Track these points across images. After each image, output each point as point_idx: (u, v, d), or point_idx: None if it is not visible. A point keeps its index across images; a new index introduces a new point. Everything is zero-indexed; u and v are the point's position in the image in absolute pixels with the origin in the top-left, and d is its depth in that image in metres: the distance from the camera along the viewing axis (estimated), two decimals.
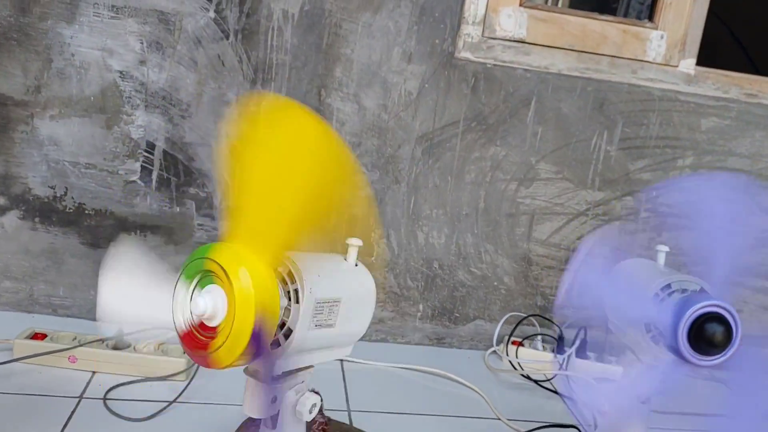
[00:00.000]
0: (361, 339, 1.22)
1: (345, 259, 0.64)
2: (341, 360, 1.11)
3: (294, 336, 0.54)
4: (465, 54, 1.13)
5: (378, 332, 1.22)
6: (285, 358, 0.56)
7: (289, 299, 0.56)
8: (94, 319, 1.08)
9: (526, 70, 1.15)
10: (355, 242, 0.64)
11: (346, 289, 0.60)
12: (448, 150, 1.16)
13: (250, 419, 0.81)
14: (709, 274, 0.72)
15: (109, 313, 0.62)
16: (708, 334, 0.68)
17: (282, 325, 0.56)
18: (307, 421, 0.63)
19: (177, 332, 0.56)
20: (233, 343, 0.50)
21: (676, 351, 0.70)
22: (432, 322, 1.23)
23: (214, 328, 0.52)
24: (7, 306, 1.09)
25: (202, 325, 0.53)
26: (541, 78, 1.16)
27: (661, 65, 1.19)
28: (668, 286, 0.74)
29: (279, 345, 0.56)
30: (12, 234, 1.07)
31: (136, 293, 0.60)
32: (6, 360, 0.93)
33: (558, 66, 1.16)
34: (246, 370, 0.60)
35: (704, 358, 0.69)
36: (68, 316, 1.10)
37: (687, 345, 0.69)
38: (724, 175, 1.14)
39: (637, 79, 1.18)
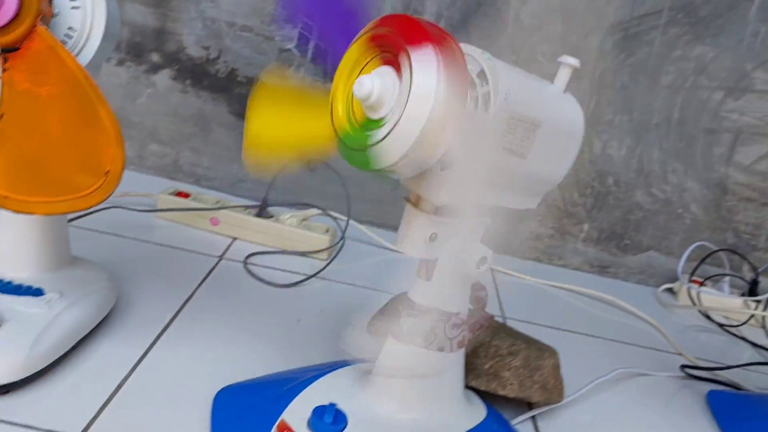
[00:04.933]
0: (513, 255, 1.09)
1: (552, 83, 0.50)
2: (492, 269, 0.99)
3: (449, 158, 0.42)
4: None
5: (532, 250, 1.08)
6: (460, 183, 0.44)
7: (477, 106, 0.43)
8: (236, 195, 1.03)
9: None
10: (569, 61, 0.49)
11: (548, 114, 0.46)
12: (645, 45, 0.99)
13: (402, 294, 0.71)
14: None
15: None
16: None
17: None
18: (472, 282, 0.51)
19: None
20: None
21: None
22: (596, 247, 1.07)
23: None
24: (152, 170, 1.06)
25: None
26: None
27: None
28: None
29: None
30: (163, 94, 1.02)
31: None
32: (149, 209, 0.89)
33: None
34: (408, 199, 0.48)
35: None
36: (211, 188, 1.06)
37: None
38: None
39: None
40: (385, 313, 0.67)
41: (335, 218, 0.96)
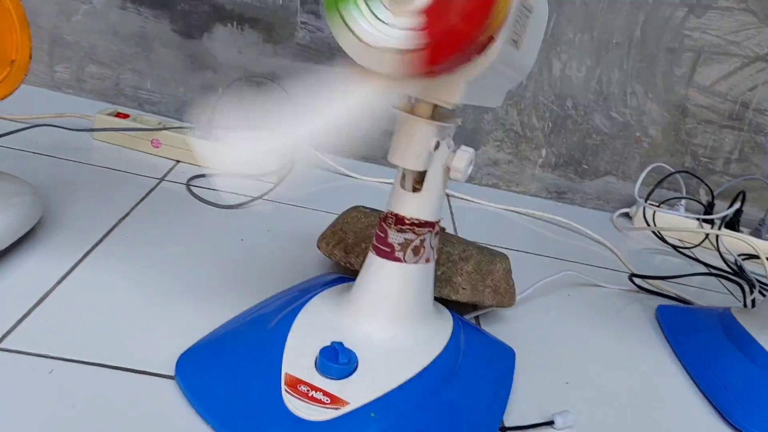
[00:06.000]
0: (470, 181, 1.07)
1: None
2: (446, 194, 0.97)
3: (496, 45, 0.38)
4: None
5: (489, 176, 1.06)
6: (471, 82, 0.40)
7: None
8: (181, 120, 0.98)
9: None
10: None
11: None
12: None
13: (351, 210, 0.68)
14: None
15: None
16: None
17: None
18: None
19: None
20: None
21: None
22: (554, 172, 1.06)
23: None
24: (91, 94, 1.00)
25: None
26: None
27: None
28: None
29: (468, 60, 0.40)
30: (100, 12, 0.96)
31: None
32: (86, 128, 0.84)
33: None
34: (398, 106, 0.44)
35: None
36: (155, 113, 1.00)
37: None
38: None
39: None
40: (336, 228, 0.65)
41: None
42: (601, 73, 1.00)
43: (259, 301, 0.55)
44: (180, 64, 0.99)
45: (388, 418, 0.41)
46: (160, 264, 0.59)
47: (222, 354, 0.47)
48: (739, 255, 0.94)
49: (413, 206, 0.47)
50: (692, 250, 0.97)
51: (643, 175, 0.98)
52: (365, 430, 0.41)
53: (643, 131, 1.03)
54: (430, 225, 0.47)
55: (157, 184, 0.77)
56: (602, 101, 1.01)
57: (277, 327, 0.47)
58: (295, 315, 0.48)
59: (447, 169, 0.46)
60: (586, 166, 1.06)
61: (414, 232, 0.47)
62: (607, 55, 0.99)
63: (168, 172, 0.81)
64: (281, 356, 0.44)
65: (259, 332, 0.48)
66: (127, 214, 0.67)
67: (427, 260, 0.48)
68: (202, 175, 0.82)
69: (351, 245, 0.62)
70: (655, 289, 0.78)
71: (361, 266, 0.60)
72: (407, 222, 0.46)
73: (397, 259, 0.47)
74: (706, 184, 1.01)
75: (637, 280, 0.78)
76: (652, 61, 0.99)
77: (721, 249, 0.94)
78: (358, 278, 0.49)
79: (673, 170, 1.01)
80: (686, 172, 1.02)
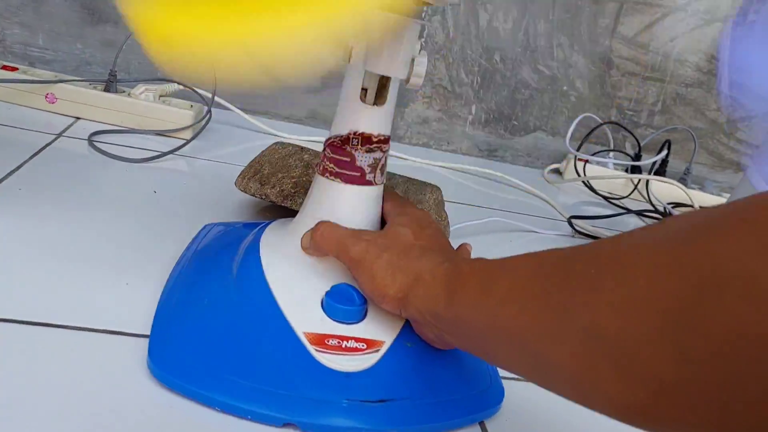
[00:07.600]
0: (400, 141, 1.03)
1: None
2: None
3: None
4: None
5: (420, 135, 1.02)
6: None
7: None
8: (82, 79, 0.88)
9: None
10: None
11: None
12: None
13: (278, 145, 0.62)
14: None
15: None
16: None
17: None
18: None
19: None
20: None
21: None
22: (485, 130, 1.03)
23: None
24: None
25: None
26: None
27: None
28: None
29: None
30: None
31: None
32: None
33: None
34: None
35: None
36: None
37: None
38: None
39: None
40: (253, 162, 0.59)
41: (200, 95, 0.84)
42: (528, 24, 0.98)
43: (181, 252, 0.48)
44: (76, 16, 0.89)
45: (420, 342, 0.39)
46: (64, 215, 0.52)
47: (206, 333, 0.38)
48: (668, 203, 0.95)
49: (378, 121, 0.41)
50: (622, 201, 0.96)
51: (573, 126, 0.97)
52: (410, 361, 0.38)
53: (570, 84, 1.02)
54: (388, 140, 0.42)
55: (54, 139, 0.68)
56: (529, 54, 0.99)
57: (250, 289, 0.40)
58: (259, 270, 0.40)
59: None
60: (516, 122, 1.04)
61: (381, 150, 0.42)
62: (532, 6, 0.97)
63: (66, 128, 0.72)
64: (282, 316, 0.38)
65: (234, 297, 0.39)
66: (18, 168, 0.59)
67: (389, 177, 0.44)
68: (106, 131, 0.74)
69: (267, 176, 0.57)
70: (592, 234, 0.77)
71: (278, 197, 0.54)
72: (374, 140, 0.41)
73: (369, 182, 0.41)
74: (634, 136, 1.01)
75: (576, 224, 0.76)
76: (577, 12, 0.98)
77: (651, 198, 0.94)
78: (316, 213, 0.41)
79: (601, 121, 1.00)
80: (614, 123, 1.02)
